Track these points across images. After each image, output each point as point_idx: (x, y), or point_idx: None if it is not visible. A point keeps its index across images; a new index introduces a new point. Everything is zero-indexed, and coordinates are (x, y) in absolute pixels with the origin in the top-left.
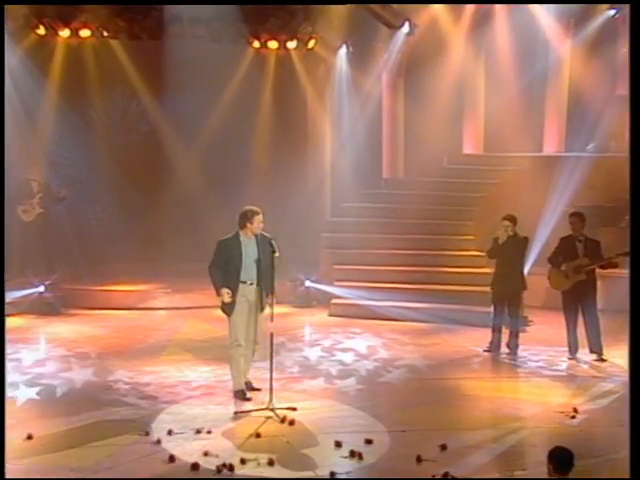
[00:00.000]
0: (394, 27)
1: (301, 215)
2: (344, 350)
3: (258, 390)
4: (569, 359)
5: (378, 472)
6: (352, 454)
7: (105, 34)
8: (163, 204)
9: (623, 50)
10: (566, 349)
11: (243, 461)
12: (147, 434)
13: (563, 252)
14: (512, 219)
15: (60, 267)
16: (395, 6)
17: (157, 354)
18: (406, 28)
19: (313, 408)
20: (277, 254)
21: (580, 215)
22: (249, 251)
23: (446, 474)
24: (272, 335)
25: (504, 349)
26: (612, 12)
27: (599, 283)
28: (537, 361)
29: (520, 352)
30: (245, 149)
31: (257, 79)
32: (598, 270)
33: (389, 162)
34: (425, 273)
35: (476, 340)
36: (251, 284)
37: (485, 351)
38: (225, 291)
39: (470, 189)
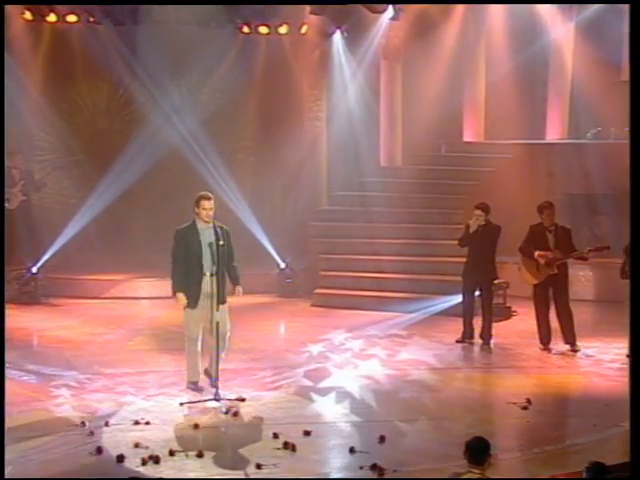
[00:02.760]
0: (377, 12)
1: (290, 204)
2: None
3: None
4: (541, 350)
5: (308, 463)
6: (285, 445)
7: (90, 19)
8: (150, 192)
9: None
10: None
11: (172, 453)
12: (83, 425)
13: (533, 242)
14: (484, 208)
15: (43, 255)
16: None
17: (124, 344)
18: (390, 13)
19: (262, 399)
20: (221, 242)
21: (552, 205)
22: (207, 240)
23: (374, 466)
24: (218, 325)
25: (478, 339)
26: None
27: (591, 274)
28: (508, 352)
29: (493, 343)
30: (234, 137)
31: (248, 65)
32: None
33: (387, 150)
34: (412, 263)
35: (457, 331)
36: (210, 275)
37: (458, 341)
38: (181, 296)
39: (464, 177)
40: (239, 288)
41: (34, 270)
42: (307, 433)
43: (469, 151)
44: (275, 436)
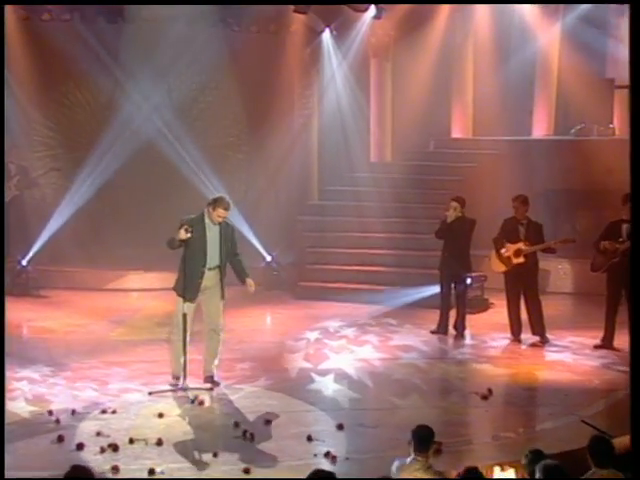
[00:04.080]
0: (360, 11)
1: (281, 198)
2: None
3: (217, 385)
4: (511, 341)
5: (263, 451)
6: (244, 434)
7: (84, 17)
8: (141, 185)
9: (613, 34)
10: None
11: (131, 441)
12: (50, 413)
13: (505, 234)
14: (460, 200)
15: (33, 248)
16: None
17: (105, 334)
18: (372, 11)
19: (231, 389)
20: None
21: (523, 198)
22: (212, 235)
23: (327, 453)
24: (185, 316)
25: (452, 331)
26: None
27: (569, 267)
28: (479, 343)
29: (467, 334)
30: (223, 134)
31: (238, 63)
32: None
33: (377, 146)
34: (399, 256)
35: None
36: (210, 269)
37: (432, 332)
38: (183, 229)
39: (451, 172)
40: (250, 281)
41: (24, 262)
42: (268, 422)
43: (457, 147)
44: (236, 425)
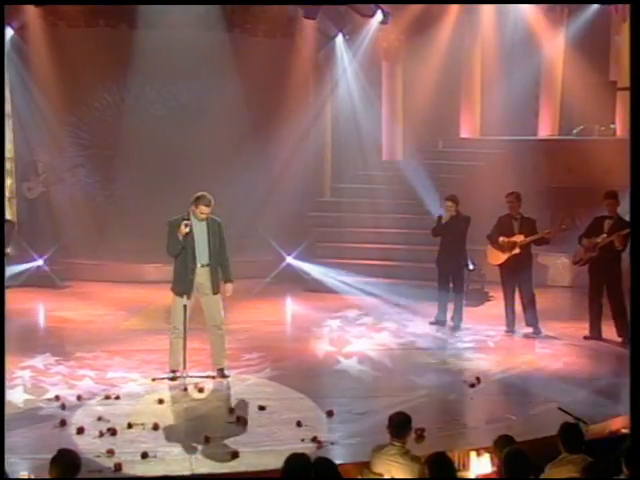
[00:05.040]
0: (367, 15)
1: (296, 195)
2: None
3: (226, 377)
4: (506, 332)
5: (254, 436)
6: (238, 420)
7: (101, 22)
8: (161, 183)
9: (616, 37)
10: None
11: (130, 425)
12: (57, 399)
13: (500, 230)
14: (454, 199)
15: (62, 242)
16: None
17: (119, 324)
18: (379, 16)
19: (230, 377)
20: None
21: (517, 195)
22: (199, 232)
23: (314, 438)
24: (185, 307)
25: (450, 322)
26: None
27: (567, 261)
28: (475, 334)
29: (464, 325)
30: (239, 136)
31: (252, 66)
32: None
33: (388, 145)
34: (403, 251)
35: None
36: (201, 266)
37: (431, 323)
38: (183, 224)
39: (458, 171)
40: (229, 286)
41: (51, 255)
42: (262, 408)
43: (464, 146)
44: (230, 411)
